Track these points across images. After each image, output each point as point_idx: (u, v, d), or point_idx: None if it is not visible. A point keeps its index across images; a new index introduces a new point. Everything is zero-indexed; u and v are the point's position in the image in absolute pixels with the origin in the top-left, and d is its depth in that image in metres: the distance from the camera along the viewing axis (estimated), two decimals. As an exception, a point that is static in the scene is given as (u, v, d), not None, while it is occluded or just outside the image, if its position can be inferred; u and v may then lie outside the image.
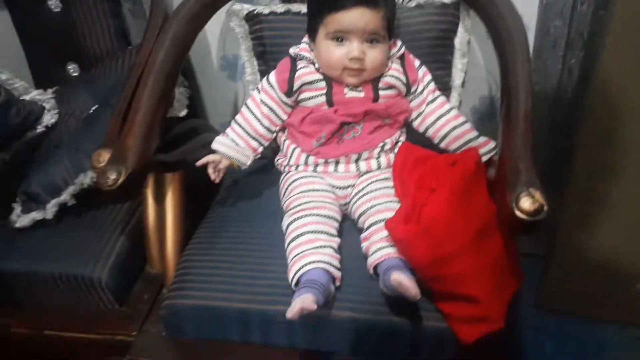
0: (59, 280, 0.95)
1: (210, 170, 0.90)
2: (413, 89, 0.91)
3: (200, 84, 1.29)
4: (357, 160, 0.89)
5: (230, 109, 1.32)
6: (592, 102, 0.94)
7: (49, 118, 1.13)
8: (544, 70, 1.07)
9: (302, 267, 0.76)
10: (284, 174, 0.93)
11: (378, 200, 0.83)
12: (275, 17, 1.00)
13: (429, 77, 0.92)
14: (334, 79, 0.88)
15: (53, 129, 1.12)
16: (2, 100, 1.05)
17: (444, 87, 0.99)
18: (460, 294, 0.72)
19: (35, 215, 1.00)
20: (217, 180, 0.91)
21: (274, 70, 0.92)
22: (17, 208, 1.02)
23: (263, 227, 0.89)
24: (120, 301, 0.97)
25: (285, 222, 0.84)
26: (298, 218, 0.82)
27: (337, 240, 0.82)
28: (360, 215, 0.84)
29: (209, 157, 0.90)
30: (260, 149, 0.94)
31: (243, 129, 0.92)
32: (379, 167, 0.89)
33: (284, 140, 0.94)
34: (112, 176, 0.76)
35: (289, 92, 0.90)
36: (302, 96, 0.90)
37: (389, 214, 0.79)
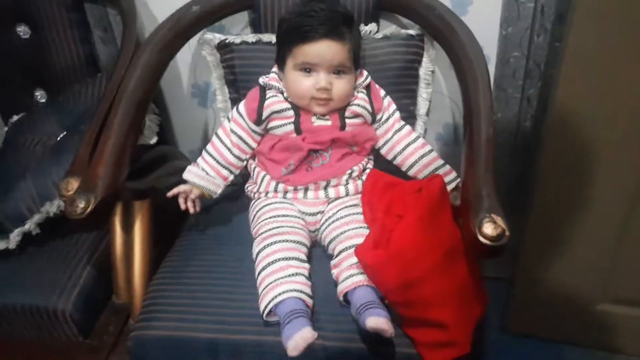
0: (21, 312, 0.92)
1: (181, 201, 0.91)
2: (378, 117, 0.93)
3: (170, 110, 1.29)
4: (325, 187, 0.90)
5: (200, 136, 1.32)
6: (550, 130, 0.98)
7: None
8: (504, 99, 1.10)
9: (275, 297, 0.76)
10: (253, 201, 0.94)
11: (348, 227, 0.84)
12: (246, 47, 1.02)
13: (393, 106, 0.95)
14: (302, 107, 0.90)
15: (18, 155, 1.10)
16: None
17: (410, 115, 1.02)
18: (428, 319, 0.73)
19: (-3, 245, 0.98)
20: (191, 211, 0.91)
21: (244, 100, 0.94)
22: (-21, 237, 1.00)
23: (232, 254, 0.89)
24: (85, 333, 0.94)
25: (255, 249, 0.84)
26: (268, 245, 0.82)
27: (308, 266, 0.82)
28: (330, 241, 0.85)
29: (180, 188, 0.90)
30: (231, 177, 0.95)
31: (214, 158, 0.93)
32: (347, 194, 0.91)
33: (254, 168, 0.95)
34: (81, 205, 0.75)
35: (258, 121, 0.91)
36: (271, 124, 0.91)
37: (359, 240, 0.80)
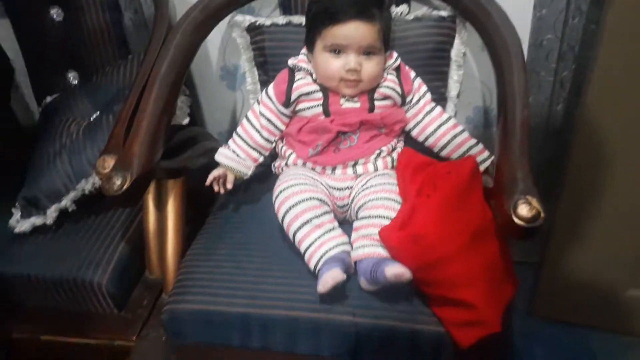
0: (59, 285, 0.95)
1: (216, 187, 0.93)
2: (408, 99, 0.93)
3: (199, 93, 1.30)
4: (354, 165, 0.91)
5: (228, 118, 1.34)
6: (584, 114, 0.96)
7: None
8: (536, 83, 1.09)
9: (321, 258, 0.79)
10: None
11: (377, 195, 0.85)
12: (276, 29, 1.02)
13: (424, 87, 0.95)
14: (330, 89, 0.90)
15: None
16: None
17: (440, 98, 1.01)
18: (455, 299, 0.73)
19: (35, 220, 1.01)
20: (222, 191, 0.93)
21: (273, 82, 0.94)
22: (17, 213, 1.03)
23: (262, 232, 0.91)
24: (120, 306, 0.97)
25: (282, 208, 0.84)
26: (295, 205, 0.83)
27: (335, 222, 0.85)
28: (359, 209, 0.86)
29: (214, 174, 0.92)
30: (261, 159, 0.96)
31: (244, 140, 0.94)
32: (375, 170, 0.91)
33: (282, 148, 0.96)
34: (118, 182, 0.77)
35: (287, 103, 0.91)
36: (300, 106, 0.91)
37: (383, 212, 0.82)
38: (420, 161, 0.87)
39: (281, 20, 1.02)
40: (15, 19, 1.21)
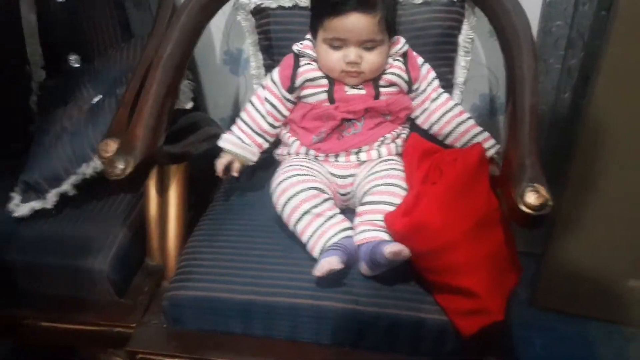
0: (60, 271, 0.94)
1: (223, 177, 0.92)
2: (415, 87, 0.92)
3: (201, 77, 1.29)
4: (357, 153, 0.90)
5: (231, 104, 1.32)
6: (592, 103, 0.95)
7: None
8: (544, 70, 1.08)
9: (324, 245, 0.79)
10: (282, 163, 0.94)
11: (382, 180, 0.84)
12: (282, 12, 1.00)
13: (432, 74, 0.93)
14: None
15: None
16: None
17: (447, 84, 1.00)
18: (458, 287, 0.73)
19: (35, 204, 1.00)
20: (225, 177, 0.93)
21: (278, 67, 0.93)
22: (16, 197, 1.01)
23: (265, 219, 0.90)
24: (121, 293, 0.96)
25: (281, 199, 0.84)
26: (294, 195, 0.82)
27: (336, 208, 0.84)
28: (363, 195, 0.85)
29: (223, 161, 0.91)
30: (266, 145, 0.95)
31: (249, 126, 0.93)
32: (379, 157, 0.90)
33: (285, 134, 0.95)
34: (121, 166, 0.75)
35: (291, 89, 0.90)
36: (304, 92, 0.90)
37: (388, 197, 0.81)
38: (427, 148, 0.86)
39: (287, 2, 1.00)
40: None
